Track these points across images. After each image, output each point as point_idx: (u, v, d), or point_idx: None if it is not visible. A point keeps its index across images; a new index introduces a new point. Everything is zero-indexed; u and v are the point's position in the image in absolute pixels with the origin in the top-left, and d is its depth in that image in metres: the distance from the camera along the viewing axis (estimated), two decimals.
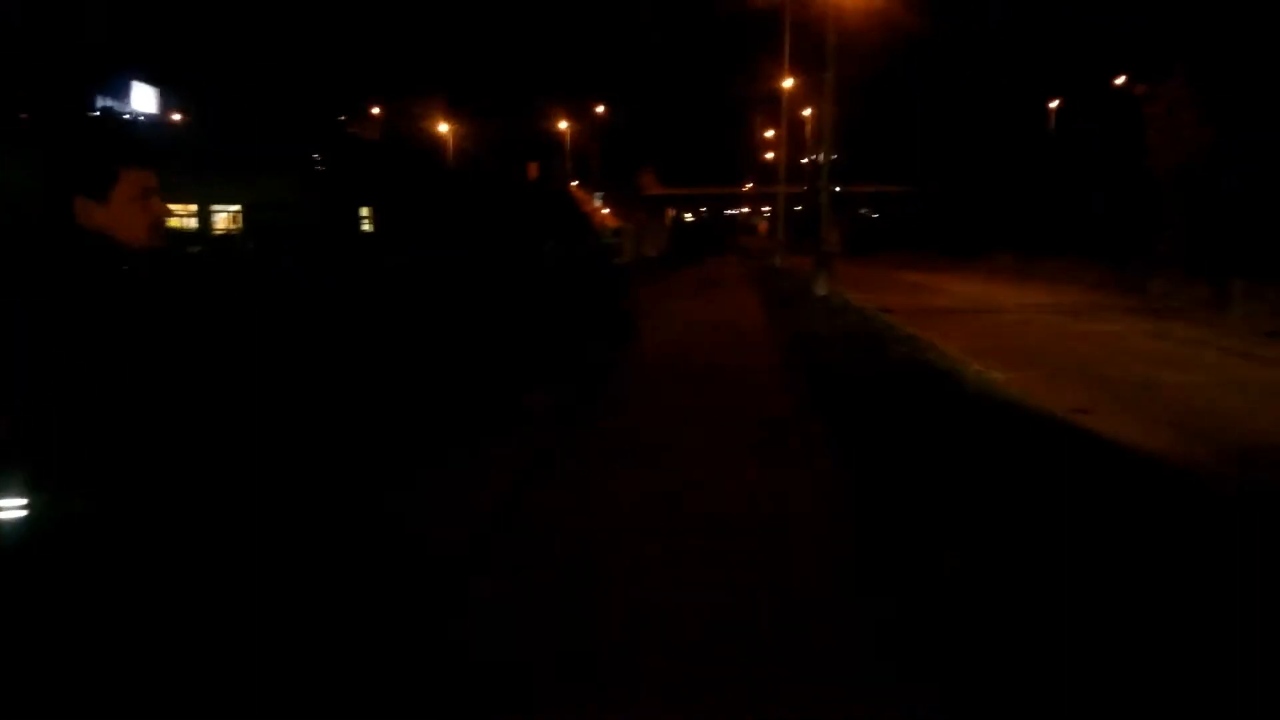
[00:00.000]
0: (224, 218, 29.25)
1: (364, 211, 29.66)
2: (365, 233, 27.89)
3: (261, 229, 24.85)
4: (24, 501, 1.72)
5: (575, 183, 53.91)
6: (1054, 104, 61.34)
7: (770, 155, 68.78)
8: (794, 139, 66.58)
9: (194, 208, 29.38)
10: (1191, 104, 26.37)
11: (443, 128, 56.43)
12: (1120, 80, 54.84)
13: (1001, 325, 15.85)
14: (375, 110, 54.63)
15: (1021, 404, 8.24)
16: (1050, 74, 59.20)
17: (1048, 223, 40.68)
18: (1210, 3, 31.17)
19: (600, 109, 62.32)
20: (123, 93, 52.89)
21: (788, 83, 33.10)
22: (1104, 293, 22.18)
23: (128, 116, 50.20)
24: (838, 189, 67.77)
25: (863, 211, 68.33)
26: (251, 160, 27.57)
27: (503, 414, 7.25)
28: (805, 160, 64.63)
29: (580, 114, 61.16)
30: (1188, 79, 26.82)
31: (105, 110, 47.99)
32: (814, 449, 6.38)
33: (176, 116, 50.16)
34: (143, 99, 53.96)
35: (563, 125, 60.26)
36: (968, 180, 61.57)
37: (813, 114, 59.74)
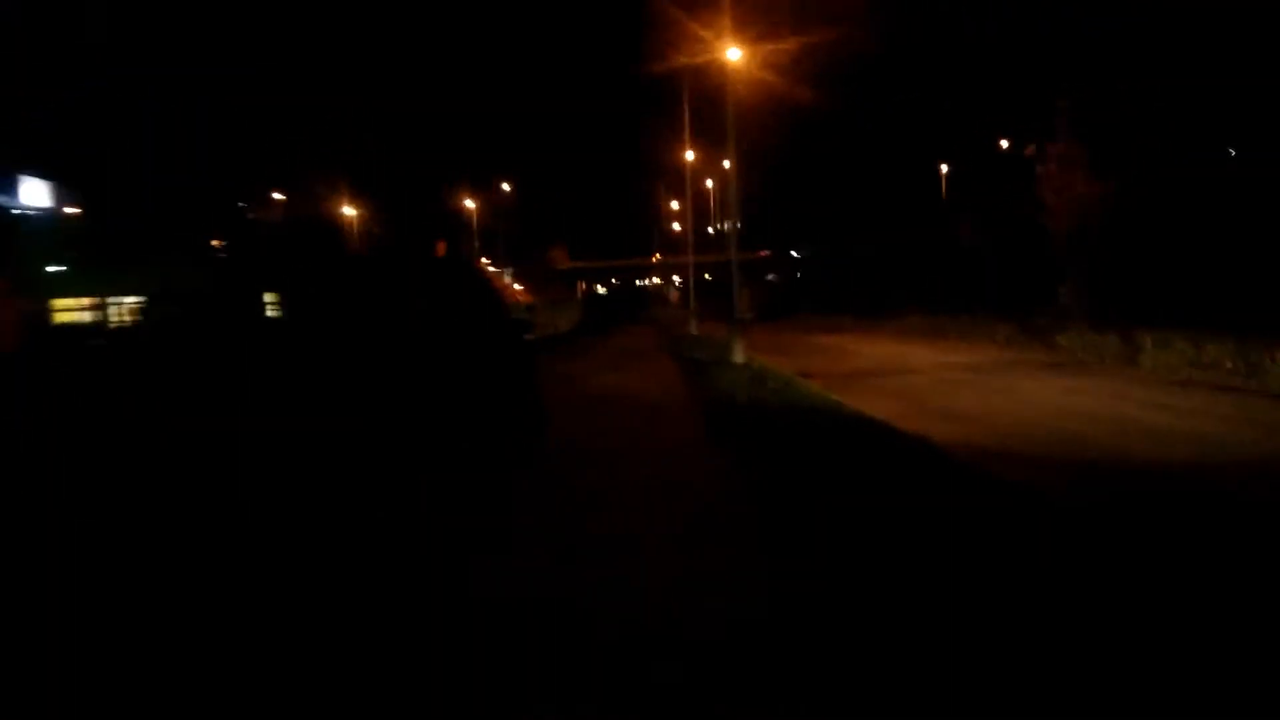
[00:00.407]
0: (122, 309, 28.27)
1: (269, 297, 29.04)
2: (272, 319, 27.28)
3: (163, 320, 24.03)
4: None
5: (486, 260, 53.88)
6: (944, 168, 64.11)
7: (677, 226, 69.91)
8: (700, 209, 67.96)
9: (88, 301, 28.32)
10: (1078, 159, 27.49)
11: (347, 209, 55.93)
12: (1005, 143, 57.74)
13: (921, 387, 16.00)
14: (277, 195, 53.93)
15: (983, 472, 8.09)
16: (939, 139, 61.93)
17: (951, 282, 42.04)
18: (1084, 56, 33.00)
19: (506, 186, 62.69)
20: (9, 188, 51.23)
21: (689, 155, 33.74)
22: (1016, 349, 22.49)
23: (17, 212, 48.55)
24: (745, 256, 69.27)
25: (770, 277, 69.71)
26: (149, 250, 26.82)
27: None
28: (711, 229, 65.93)
29: (487, 191, 61.41)
30: (1072, 133, 27.99)
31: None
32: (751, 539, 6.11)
33: (72, 210, 48.74)
34: (33, 193, 52.31)
35: (469, 204, 60.36)
36: (870, 244, 63.52)
37: (716, 185, 61.18)
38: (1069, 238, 28.26)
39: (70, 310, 28.01)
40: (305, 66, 53.47)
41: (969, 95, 56.97)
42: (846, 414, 11.74)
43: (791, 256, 64.20)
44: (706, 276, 59.94)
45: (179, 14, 53.77)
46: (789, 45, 19.60)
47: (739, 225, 22.23)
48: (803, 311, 49.77)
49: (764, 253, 68.12)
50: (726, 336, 19.75)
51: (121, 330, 26.44)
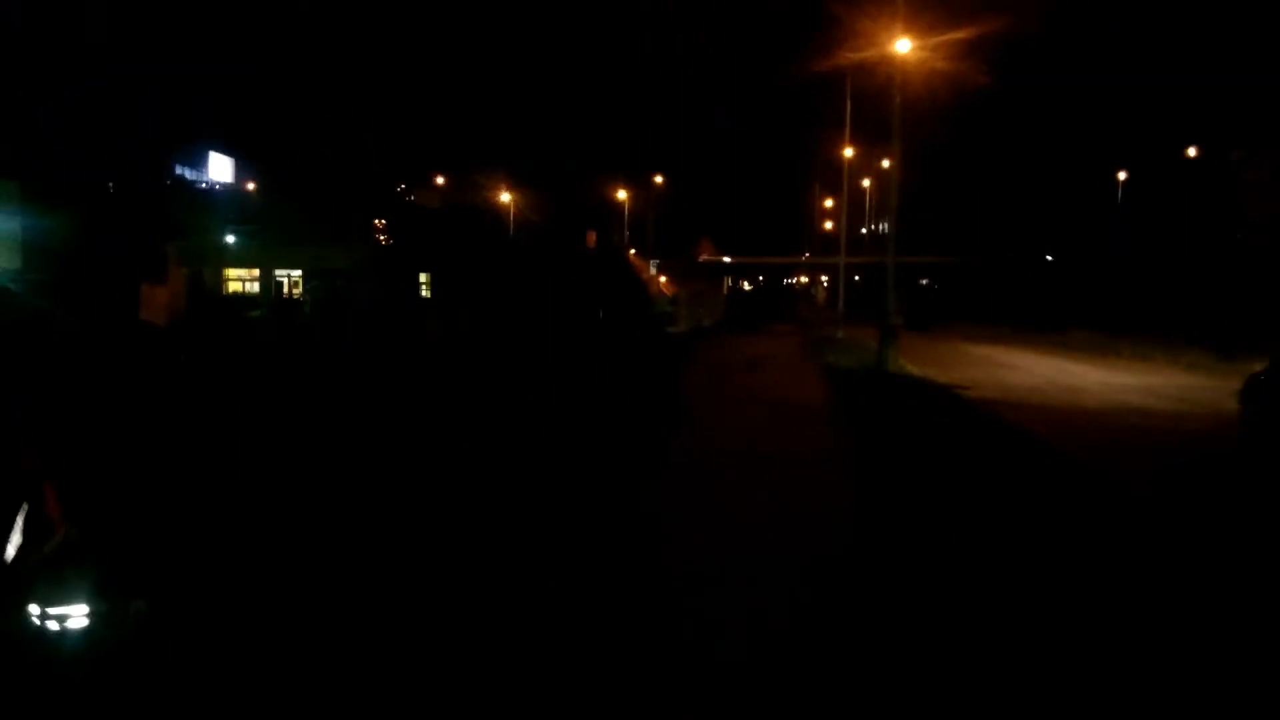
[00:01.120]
0: (287, 281, 29.59)
1: (423, 278, 29.77)
2: (424, 299, 27.94)
3: (323, 294, 25.02)
4: (87, 607, 1.75)
5: (633, 251, 54.06)
6: (1122, 175, 60.21)
7: (829, 225, 68.41)
8: (854, 208, 66.28)
9: (256, 272, 29.78)
10: None
11: (505, 197, 57.13)
12: (1193, 151, 53.75)
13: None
14: (439, 180, 55.59)
15: None
16: (1116, 145, 58.22)
17: (1122, 297, 39.37)
18: None
19: (659, 179, 62.71)
20: (200, 161, 54.53)
21: (848, 152, 32.75)
22: (1206, 374, 19.15)
23: (204, 185, 51.67)
24: (900, 260, 66.90)
25: (923, 282, 67.39)
26: (315, 227, 27.96)
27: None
28: (865, 231, 64.11)
29: (639, 183, 61.60)
30: None
31: (179, 179, 49.45)
32: None
33: (250, 185, 51.46)
34: (219, 168, 55.56)
35: (621, 195, 60.67)
36: (1033, 252, 60.45)
37: (873, 184, 59.49)
38: None
39: (240, 280, 29.49)
40: (469, 58, 54.92)
41: (1152, 97, 53.40)
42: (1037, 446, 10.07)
43: (945, 263, 61.87)
44: (855, 278, 58.42)
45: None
46: (959, 36, 18.48)
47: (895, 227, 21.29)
48: (956, 319, 47.72)
49: (916, 257, 65.80)
50: (877, 343, 18.91)
51: (284, 302, 27.68)
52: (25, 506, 1.77)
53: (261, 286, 29.45)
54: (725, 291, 63.38)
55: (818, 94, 73.49)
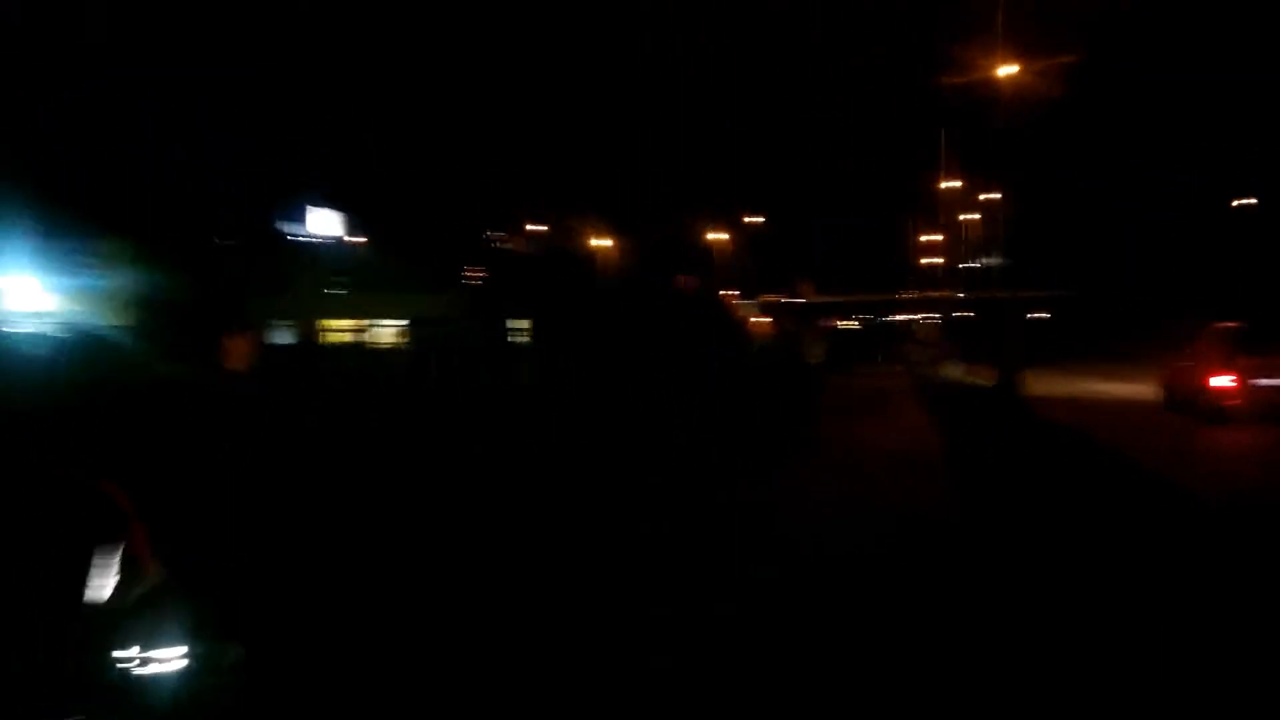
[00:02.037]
0: (390, 331, 29.87)
1: (522, 324, 29.76)
2: (515, 344, 27.94)
3: (419, 342, 25.15)
4: (184, 650, 1.72)
5: (733, 292, 53.40)
6: (1237, 202, 57.03)
7: (930, 260, 66.62)
8: (954, 241, 64.41)
9: (359, 322, 30.18)
10: None
11: (597, 240, 57.25)
12: None
13: None
14: (531, 226, 56.05)
15: None
16: (1235, 171, 55.20)
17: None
18: None
19: (757, 218, 62.12)
20: (298, 217, 56.02)
21: (951, 184, 31.63)
22: None
23: (304, 239, 53.06)
24: (1011, 295, 64.66)
25: (1031, 318, 64.94)
26: (410, 278, 28.23)
27: None
28: (970, 265, 62.15)
29: (735, 223, 61.11)
30: None
31: (278, 233, 50.83)
32: None
33: (356, 239, 52.65)
34: (321, 222, 57.01)
35: (717, 235, 60.26)
36: (1143, 289, 57.67)
37: (980, 217, 57.66)
38: None
39: (339, 331, 29.93)
40: (558, 104, 55.54)
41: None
42: None
43: (1056, 297, 59.53)
44: (956, 315, 56.57)
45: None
46: (1065, 60, 17.29)
47: (1002, 261, 20.05)
48: (1062, 358, 45.27)
49: (1025, 292, 63.51)
50: (989, 381, 17.66)
51: (378, 352, 27.98)
52: (120, 546, 1.74)
53: (356, 337, 29.82)
54: (828, 330, 62.26)
55: (919, 125, 72.11)
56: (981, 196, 58.92)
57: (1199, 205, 56.96)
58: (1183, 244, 56.26)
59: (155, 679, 1.73)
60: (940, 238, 65.20)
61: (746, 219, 62.11)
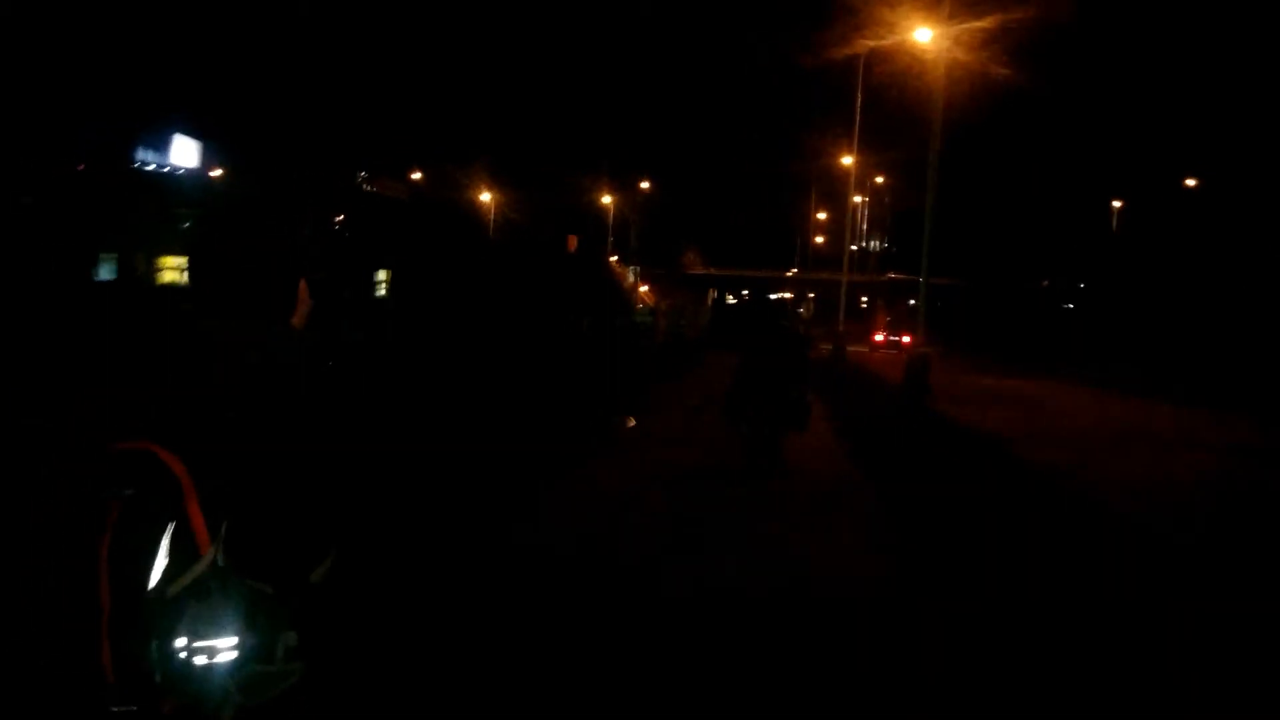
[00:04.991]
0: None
1: (381, 275, 27.65)
2: (379, 299, 25.82)
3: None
4: (235, 641, 1.63)
5: (615, 258, 52.05)
6: (1117, 204, 58.68)
7: (820, 240, 66.64)
8: (841, 223, 64.53)
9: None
10: None
11: (484, 196, 54.81)
12: (1192, 181, 52.22)
13: None
14: (415, 175, 53.22)
15: None
16: (1112, 173, 56.67)
17: (1121, 329, 37.61)
18: None
19: (645, 184, 60.70)
20: (163, 145, 51.81)
21: (848, 159, 30.86)
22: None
23: (168, 169, 49.06)
24: (894, 278, 65.32)
25: (912, 303, 65.89)
26: (262, 215, 25.56)
27: None
28: (855, 248, 62.28)
29: (624, 188, 59.58)
30: None
31: (144, 163, 46.97)
32: None
33: (217, 172, 48.91)
34: (183, 152, 52.80)
35: (606, 199, 58.63)
36: (1025, 277, 58.96)
37: (868, 199, 57.70)
38: None
39: (174, 270, 27.11)
40: (451, 48, 52.73)
41: (1149, 126, 51.61)
42: None
43: (939, 284, 60.48)
44: (828, 297, 56.67)
45: None
46: (982, 25, 16.03)
47: (889, 246, 19.15)
48: (939, 344, 45.62)
49: (893, 275, 64.33)
50: (880, 369, 16.65)
51: None
52: (172, 526, 1.60)
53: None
54: (709, 304, 61.58)
55: (815, 100, 71.86)
56: (878, 180, 59.04)
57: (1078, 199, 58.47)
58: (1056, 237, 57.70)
59: (208, 668, 1.61)
60: (824, 216, 65.18)
61: (639, 184, 60.66)
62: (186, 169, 50.05)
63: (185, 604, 1.62)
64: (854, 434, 12.26)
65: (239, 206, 1.89)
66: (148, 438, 1.63)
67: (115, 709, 1.56)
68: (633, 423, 12.44)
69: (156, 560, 1.61)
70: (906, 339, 54.69)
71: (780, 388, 8.71)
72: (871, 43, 18.54)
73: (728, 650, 4.36)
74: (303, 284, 1.90)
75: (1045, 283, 58.03)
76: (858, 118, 28.17)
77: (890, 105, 34.33)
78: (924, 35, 15.40)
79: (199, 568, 1.62)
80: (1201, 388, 21.67)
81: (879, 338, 48.81)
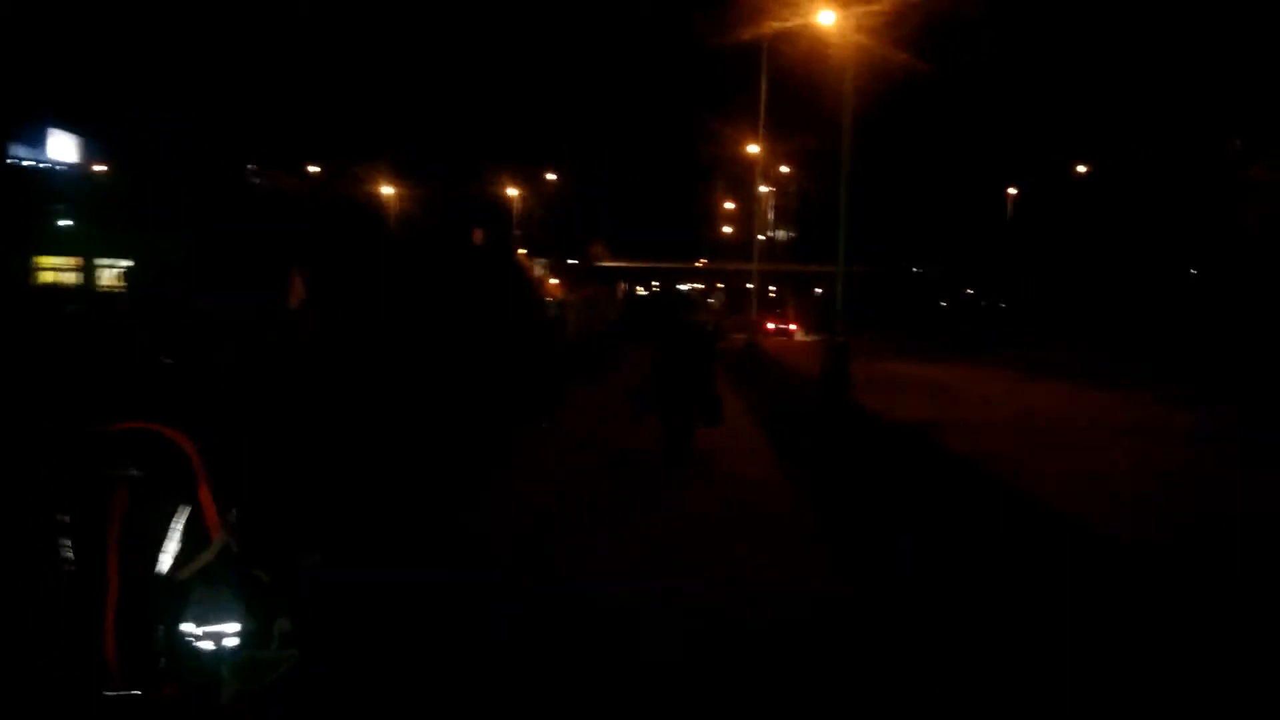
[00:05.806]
0: (111, 274, 25.64)
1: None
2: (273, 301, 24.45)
3: (141, 288, 21.40)
4: (238, 627, 1.65)
5: (523, 251, 51.11)
6: (1012, 190, 60.11)
7: (727, 230, 66.76)
8: (751, 214, 64.72)
9: (77, 261, 25.71)
10: None
11: (385, 189, 53.18)
12: (1082, 168, 53.86)
13: None
14: (313, 169, 51.38)
15: None
16: (1006, 161, 57.93)
17: (1026, 310, 38.51)
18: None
19: (550, 176, 59.89)
20: (39, 140, 49.09)
21: (753, 148, 30.74)
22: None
23: (45, 165, 46.42)
24: (802, 269, 65.80)
25: (818, 292, 66.70)
26: (146, 213, 24.14)
27: None
28: (761, 238, 62.54)
29: (530, 180, 58.66)
30: None
31: (18, 159, 44.36)
32: None
33: (100, 167, 46.51)
34: (61, 147, 50.14)
35: (511, 191, 57.62)
36: (931, 263, 60.16)
37: (774, 190, 57.94)
38: None
39: (52, 270, 25.35)
40: (348, 40, 51.09)
41: (1040, 114, 52.87)
42: None
43: (847, 271, 61.12)
44: (748, 285, 56.96)
45: None
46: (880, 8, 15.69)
47: (795, 235, 18.93)
48: (854, 332, 46.23)
49: (808, 266, 64.99)
50: (795, 359, 16.39)
51: (101, 296, 23.90)
52: (185, 512, 1.61)
53: (83, 277, 25.35)
54: (620, 296, 61.18)
55: (722, 84, 71.89)
56: (783, 169, 59.30)
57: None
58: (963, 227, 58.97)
59: (209, 654, 1.63)
60: (731, 206, 65.36)
61: (543, 175, 59.82)
62: (66, 164, 47.50)
63: (194, 589, 1.61)
64: (777, 430, 11.81)
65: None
66: (147, 418, 1.60)
67: (115, 694, 1.55)
68: (550, 425, 11.88)
69: (165, 544, 1.59)
70: (793, 326, 56.71)
71: (688, 382, 8.72)
72: (776, 24, 18.21)
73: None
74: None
75: (944, 269, 59.27)
76: (763, 103, 28.00)
77: (797, 91, 34.40)
78: (828, 18, 15.17)
79: (209, 553, 1.61)
80: (1102, 370, 22.28)
81: (770, 326, 52.87)
